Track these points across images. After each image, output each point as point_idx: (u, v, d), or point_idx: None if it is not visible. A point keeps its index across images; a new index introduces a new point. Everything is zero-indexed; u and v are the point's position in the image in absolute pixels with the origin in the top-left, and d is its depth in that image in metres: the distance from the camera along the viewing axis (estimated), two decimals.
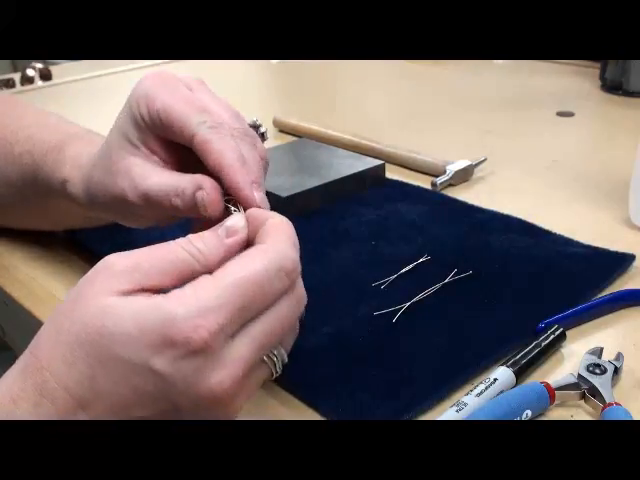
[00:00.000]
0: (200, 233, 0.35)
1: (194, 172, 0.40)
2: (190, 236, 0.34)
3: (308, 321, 0.45)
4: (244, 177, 0.37)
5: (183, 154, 0.42)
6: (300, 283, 0.35)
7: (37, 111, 0.57)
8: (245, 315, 0.32)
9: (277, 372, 0.34)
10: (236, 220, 0.36)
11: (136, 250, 0.33)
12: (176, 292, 0.31)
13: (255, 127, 0.43)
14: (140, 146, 0.41)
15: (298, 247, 0.35)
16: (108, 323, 0.30)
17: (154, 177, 0.40)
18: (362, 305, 0.47)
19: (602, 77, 0.96)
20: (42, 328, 0.33)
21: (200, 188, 0.38)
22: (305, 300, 0.35)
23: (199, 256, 0.33)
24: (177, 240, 0.34)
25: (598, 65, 0.98)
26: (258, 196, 0.38)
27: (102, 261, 0.33)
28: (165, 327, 0.30)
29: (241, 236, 0.35)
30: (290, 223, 0.35)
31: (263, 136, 0.44)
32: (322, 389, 0.40)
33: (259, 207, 0.37)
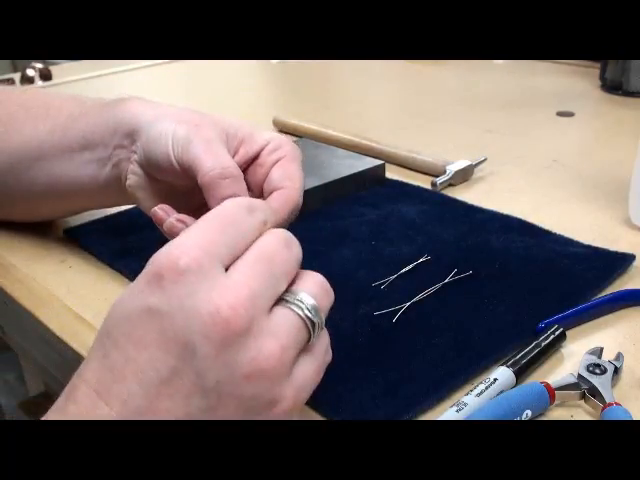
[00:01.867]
0: None
1: None
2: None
3: None
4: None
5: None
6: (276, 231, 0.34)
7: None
8: (225, 240, 0.31)
9: (306, 316, 0.31)
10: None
11: None
12: None
13: None
14: (224, 140, 0.44)
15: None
16: (116, 302, 0.31)
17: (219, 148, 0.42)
18: (362, 305, 0.47)
19: (602, 77, 0.96)
20: None
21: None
22: (291, 244, 0.34)
23: None
24: None
25: (598, 65, 0.98)
26: None
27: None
28: (152, 265, 0.30)
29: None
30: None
31: None
32: (322, 389, 0.40)
33: None
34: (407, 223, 0.59)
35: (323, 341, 0.34)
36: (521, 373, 0.40)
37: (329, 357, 0.34)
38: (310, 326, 0.31)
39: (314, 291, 0.33)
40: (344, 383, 0.40)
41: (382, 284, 0.50)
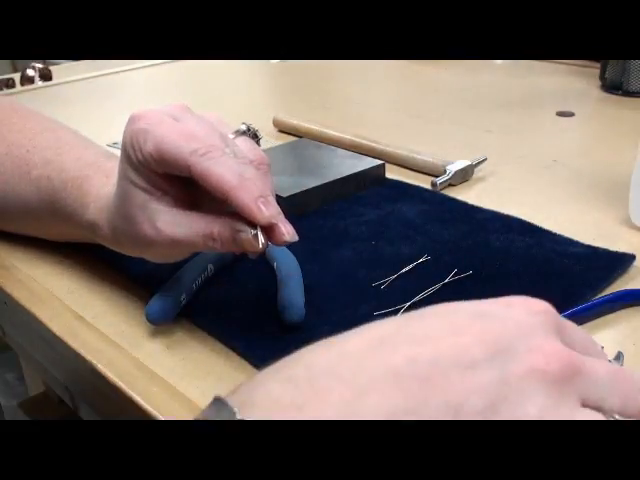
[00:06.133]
0: None
1: (209, 202, 0.42)
2: None
3: (308, 321, 0.45)
4: (249, 195, 0.38)
5: (191, 186, 0.42)
6: None
7: (51, 127, 0.56)
8: None
9: None
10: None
11: None
12: None
13: (247, 132, 0.44)
14: (151, 190, 0.42)
15: None
16: None
17: (182, 223, 0.41)
18: (362, 305, 0.47)
19: (602, 77, 0.96)
20: None
21: (239, 230, 0.40)
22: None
23: None
24: None
25: (598, 65, 0.98)
26: (266, 211, 0.39)
27: None
28: None
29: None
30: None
31: (257, 137, 0.45)
32: None
33: (270, 223, 0.39)
34: (407, 223, 0.59)
35: None
36: None
37: None
38: None
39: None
40: None
41: (382, 284, 0.50)
